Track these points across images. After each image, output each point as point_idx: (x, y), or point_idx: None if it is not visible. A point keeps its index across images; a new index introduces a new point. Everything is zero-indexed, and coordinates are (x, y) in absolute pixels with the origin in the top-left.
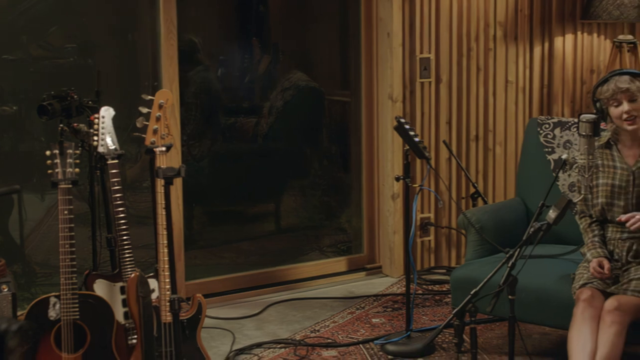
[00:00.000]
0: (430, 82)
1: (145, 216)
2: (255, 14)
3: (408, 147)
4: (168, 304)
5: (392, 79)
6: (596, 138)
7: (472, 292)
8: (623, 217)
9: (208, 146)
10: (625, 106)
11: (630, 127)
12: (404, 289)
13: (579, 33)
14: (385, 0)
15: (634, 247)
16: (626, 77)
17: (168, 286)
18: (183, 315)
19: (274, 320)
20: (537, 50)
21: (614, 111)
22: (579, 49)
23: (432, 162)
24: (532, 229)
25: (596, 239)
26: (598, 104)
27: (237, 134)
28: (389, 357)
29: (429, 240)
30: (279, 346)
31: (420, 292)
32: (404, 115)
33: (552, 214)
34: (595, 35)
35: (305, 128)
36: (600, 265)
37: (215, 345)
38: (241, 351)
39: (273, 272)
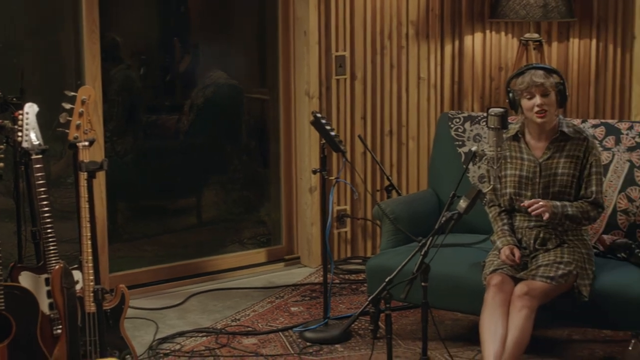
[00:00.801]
0: (345, 79)
1: (69, 211)
2: (176, 14)
3: (324, 141)
4: (92, 294)
5: (309, 76)
6: (504, 131)
7: (386, 280)
8: (526, 203)
9: (131, 142)
10: (538, 100)
11: (540, 120)
12: (321, 278)
13: (487, 32)
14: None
15: (541, 235)
16: (541, 72)
17: (92, 277)
18: (107, 305)
19: (196, 310)
20: (448, 48)
21: (526, 103)
22: (488, 47)
23: (348, 156)
24: (443, 219)
25: (505, 227)
26: (511, 95)
27: (159, 130)
28: (308, 344)
29: (346, 232)
30: (200, 335)
31: (337, 281)
32: (320, 111)
33: (462, 203)
34: (503, 33)
35: (225, 124)
36: (512, 253)
37: (139, 334)
38: (164, 340)
39: (195, 263)
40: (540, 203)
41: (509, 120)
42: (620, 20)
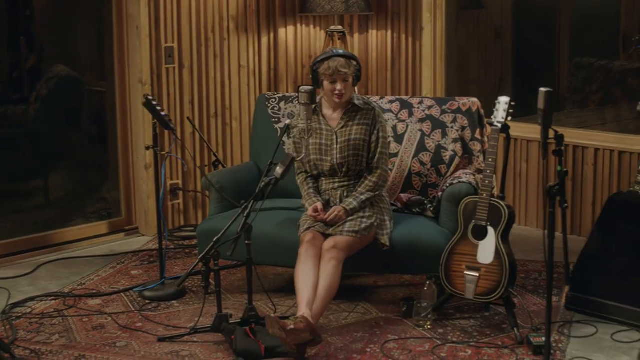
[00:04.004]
0: (174, 68)
1: None
2: (22, 16)
3: (156, 121)
4: None
5: (142, 66)
6: (313, 105)
7: (214, 240)
8: (326, 218)
9: None
10: (339, 86)
11: (338, 100)
12: (157, 245)
13: (298, 25)
14: None
15: (345, 194)
16: (343, 61)
17: None
18: None
19: (45, 277)
20: (265, 40)
21: (328, 86)
22: (299, 38)
23: (179, 135)
24: (263, 183)
25: (311, 190)
26: (315, 75)
27: (9, 120)
28: (147, 301)
29: (178, 203)
30: (50, 298)
31: (172, 247)
32: (152, 96)
33: (279, 170)
34: (312, 26)
35: (68, 112)
36: (315, 209)
37: None
38: (16, 305)
39: (43, 236)
40: (335, 213)
41: None
42: (410, 14)
